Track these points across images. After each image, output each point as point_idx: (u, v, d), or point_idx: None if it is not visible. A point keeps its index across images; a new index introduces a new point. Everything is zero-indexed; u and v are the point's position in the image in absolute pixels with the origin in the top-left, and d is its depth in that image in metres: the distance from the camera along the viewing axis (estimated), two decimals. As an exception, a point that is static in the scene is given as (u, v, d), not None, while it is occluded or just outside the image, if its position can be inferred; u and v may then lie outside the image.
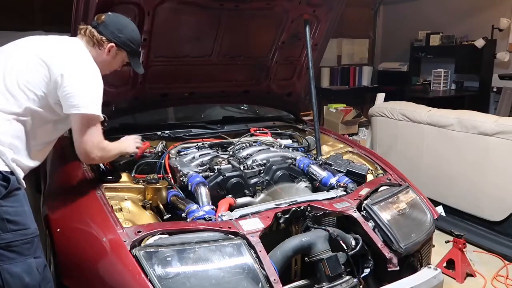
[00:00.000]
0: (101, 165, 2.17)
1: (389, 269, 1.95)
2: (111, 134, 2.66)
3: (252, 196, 2.22)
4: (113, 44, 1.94)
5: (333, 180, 2.33)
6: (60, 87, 1.76)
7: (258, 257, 1.69)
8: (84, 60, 1.87)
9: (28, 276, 1.68)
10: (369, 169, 2.56)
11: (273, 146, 2.74)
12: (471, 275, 3.01)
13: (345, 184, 2.29)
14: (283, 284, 1.68)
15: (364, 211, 2.07)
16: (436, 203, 3.14)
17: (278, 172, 2.34)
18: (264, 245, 1.73)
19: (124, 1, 2.23)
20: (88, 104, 1.78)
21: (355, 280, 1.86)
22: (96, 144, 1.84)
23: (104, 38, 1.92)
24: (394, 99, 4.78)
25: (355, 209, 2.06)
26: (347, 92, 7.44)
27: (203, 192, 2.06)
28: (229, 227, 1.76)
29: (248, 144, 2.70)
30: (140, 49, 2.11)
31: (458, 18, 6.65)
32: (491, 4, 6.19)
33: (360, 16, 7.81)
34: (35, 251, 1.73)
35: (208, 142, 2.70)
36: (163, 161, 2.40)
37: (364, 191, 2.21)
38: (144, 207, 1.99)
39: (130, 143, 2.21)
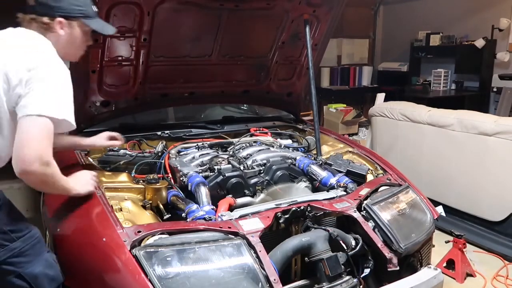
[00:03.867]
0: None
1: (389, 269, 1.94)
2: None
3: (252, 196, 2.21)
4: (59, 19, 1.67)
5: (333, 180, 2.33)
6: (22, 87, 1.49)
7: (258, 257, 1.68)
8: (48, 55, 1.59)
9: (50, 269, 1.67)
10: (369, 169, 2.56)
11: (273, 146, 2.74)
12: (471, 275, 3.01)
13: (345, 184, 2.28)
14: (283, 284, 1.67)
15: (364, 211, 2.07)
16: (436, 203, 3.13)
17: (278, 172, 2.34)
18: (264, 245, 1.73)
19: (124, 1, 2.23)
20: (49, 105, 1.50)
21: (355, 280, 1.85)
22: (40, 155, 1.48)
23: (47, 18, 1.65)
24: (394, 99, 4.80)
25: (355, 209, 2.05)
26: (347, 92, 7.44)
27: (203, 192, 2.06)
28: (229, 227, 1.76)
29: (248, 144, 2.70)
30: (94, 8, 1.78)
31: (458, 18, 6.65)
32: (491, 4, 6.19)
33: (360, 16, 7.81)
34: (45, 247, 1.72)
35: (208, 142, 2.70)
36: (163, 161, 2.40)
37: (364, 191, 2.20)
38: (144, 207, 1.98)
39: (84, 183, 1.83)
